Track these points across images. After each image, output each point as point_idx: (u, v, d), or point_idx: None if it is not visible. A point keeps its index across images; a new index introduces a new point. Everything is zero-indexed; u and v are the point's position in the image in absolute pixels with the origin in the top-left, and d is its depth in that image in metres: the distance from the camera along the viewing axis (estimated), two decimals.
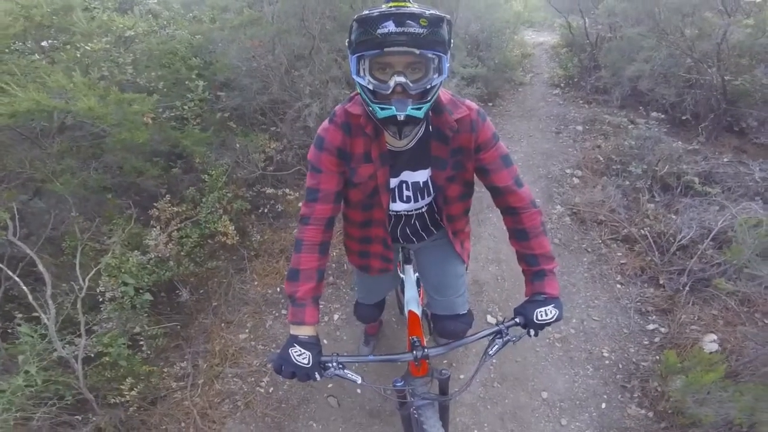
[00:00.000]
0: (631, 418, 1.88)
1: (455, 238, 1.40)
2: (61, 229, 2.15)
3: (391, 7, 0.85)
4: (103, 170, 2.45)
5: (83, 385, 1.60)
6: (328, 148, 1.12)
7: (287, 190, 3.00)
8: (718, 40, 3.51)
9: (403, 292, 1.67)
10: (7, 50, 2.24)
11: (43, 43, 2.50)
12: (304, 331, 1.04)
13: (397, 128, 0.96)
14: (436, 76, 0.93)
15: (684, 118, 4.02)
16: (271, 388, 2.06)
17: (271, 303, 2.52)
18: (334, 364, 1.01)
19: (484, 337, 1.10)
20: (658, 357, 2.11)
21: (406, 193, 1.25)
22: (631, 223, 2.96)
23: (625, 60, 4.51)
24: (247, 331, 2.35)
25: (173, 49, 2.92)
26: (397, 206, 1.27)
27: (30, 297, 1.54)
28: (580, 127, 4.51)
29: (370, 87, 0.92)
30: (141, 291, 1.98)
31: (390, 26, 0.84)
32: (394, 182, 1.21)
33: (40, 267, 1.65)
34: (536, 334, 1.10)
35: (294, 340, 1.01)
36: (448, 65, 0.94)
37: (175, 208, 2.39)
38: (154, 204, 2.36)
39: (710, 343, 2.03)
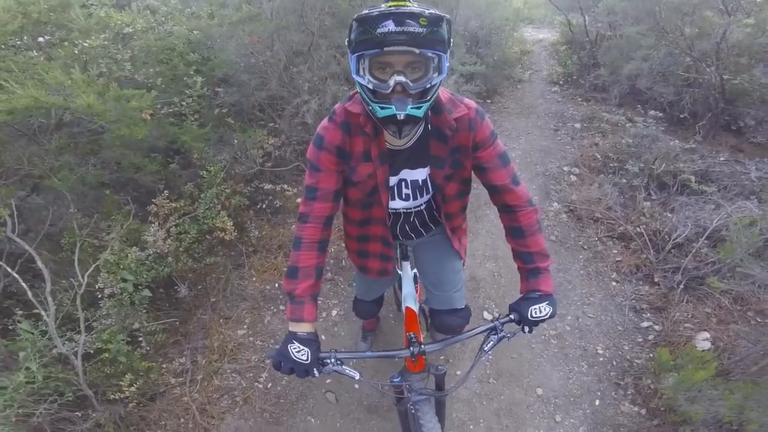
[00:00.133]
0: (624, 415, 1.91)
1: (453, 234, 1.42)
2: (60, 225, 2.16)
3: (390, 6, 0.86)
4: (102, 166, 2.45)
5: (83, 381, 1.62)
6: (327, 147, 1.12)
7: (285, 186, 3.01)
8: (717, 39, 3.52)
9: (400, 288, 1.69)
10: (3, 47, 2.23)
11: (40, 39, 2.49)
12: (303, 328, 1.05)
13: (396, 127, 0.97)
14: (435, 75, 0.93)
15: (682, 116, 4.04)
16: (270, 384, 2.08)
17: (270, 299, 2.53)
18: (333, 360, 1.03)
19: (479, 333, 1.12)
20: (651, 354, 2.14)
21: (405, 191, 1.26)
22: (627, 221, 2.98)
23: (624, 58, 4.52)
24: (245, 326, 2.36)
25: (171, 45, 2.91)
26: (396, 204, 1.28)
27: (29, 294, 1.55)
28: (578, 125, 4.52)
29: (370, 86, 0.93)
30: (140, 287, 2.00)
31: (390, 25, 0.85)
32: (393, 181, 1.22)
33: (39, 263, 1.66)
34: (530, 331, 1.12)
35: (293, 336, 1.03)
36: (447, 64, 0.94)
37: (174, 204, 2.40)
38: (153, 200, 2.36)
39: (703, 341, 2.06)
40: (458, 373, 2.09)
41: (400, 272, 1.69)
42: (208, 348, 2.21)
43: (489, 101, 5.18)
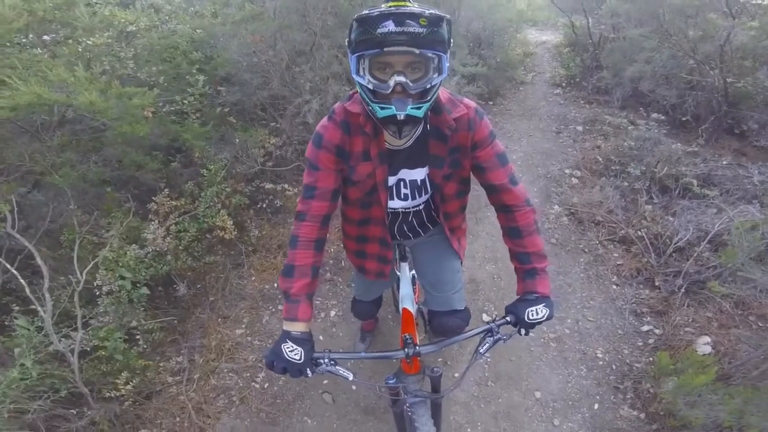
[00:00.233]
0: (623, 419, 1.90)
1: (452, 234, 1.41)
2: (60, 222, 2.16)
3: (390, 6, 0.86)
4: (103, 163, 2.45)
5: (79, 378, 1.61)
6: (326, 146, 1.12)
7: (286, 186, 3.01)
8: (721, 41, 3.50)
9: (399, 289, 1.68)
10: (8, 44, 2.24)
11: (45, 37, 2.50)
12: (297, 327, 1.04)
13: (396, 128, 0.97)
14: (435, 75, 0.93)
15: (684, 119, 4.02)
16: (267, 384, 2.07)
17: (268, 298, 2.53)
18: (326, 360, 1.02)
19: (475, 335, 1.11)
20: (651, 358, 2.13)
21: (404, 190, 1.25)
22: (628, 225, 2.97)
23: (626, 61, 4.51)
24: (243, 326, 2.36)
25: (174, 44, 2.92)
26: (395, 204, 1.28)
27: (27, 290, 1.55)
28: (580, 128, 4.51)
29: (370, 86, 0.93)
30: (138, 285, 1.99)
31: (390, 26, 0.84)
32: (392, 180, 1.22)
33: (38, 260, 1.66)
34: (527, 333, 1.11)
35: (287, 335, 1.02)
36: (447, 64, 0.94)
37: (174, 202, 2.40)
38: (153, 198, 2.36)
39: (704, 345, 2.04)
40: (456, 375, 2.08)
41: (398, 273, 1.69)
42: (206, 347, 2.21)
43: (491, 103, 5.17)
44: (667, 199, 3.11)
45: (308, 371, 1.00)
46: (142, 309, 2.03)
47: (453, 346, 2.20)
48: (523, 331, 1.11)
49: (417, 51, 0.87)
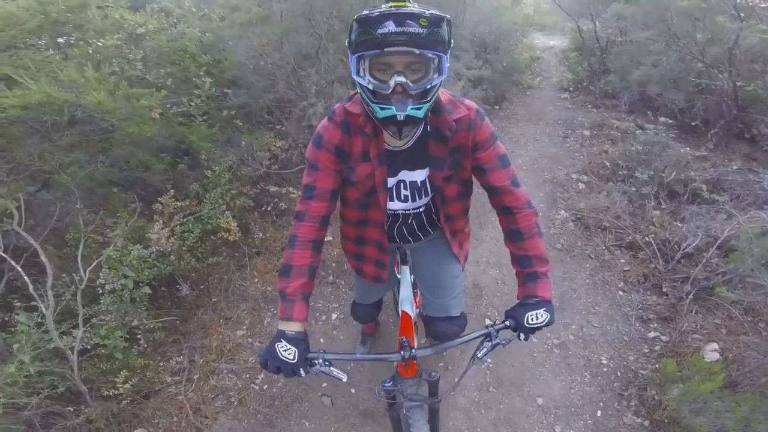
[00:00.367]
0: (626, 427, 1.86)
1: (453, 238, 1.40)
2: (66, 220, 2.19)
3: (390, 7, 0.86)
4: (110, 164, 2.48)
5: (77, 376, 1.62)
6: (326, 146, 1.13)
7: (291, 189, 3.02)
8: (730, 44, 3.46)
9: (399, 292, 1.67)
10: (22, 45, 2.29)
11: (60, 40, 2.56)
12: (292, 327, 1.04)
13: (397, 128, 0.97)
14: (436, 76, 0.93)
15: (693, 124, 3.97)
16: (266, 386, 2.07)
17: (270, 300, 2.53)
18: (320, 360, 1.01)
19: (473, 339, 1.10)
20: (657, 365, 2.08)
21: (404, 192, 1.25)
22: (635, 230, 2.93)
23: (633, 64, 4.47)
24: (244, 327, 2.36)
25: (184, 47, 2.96)
26: (395, 205, 1.27)
27: (30, 287, 1.57)
28: (587, 132, 4.47)
29: (370, 87, 0.93)
30: (140, 284, 2.01)
31: (390, 26, 0.84)
32: (391, 181, 1.21)
33: (43, 257, 1.68)
34: (527, 338, 1.09)
35: (281, 335, 1.02)
36: (448, 65, 0.94)
37: (179, 203, 2.42)
38: (158, 198, 2.39)
39: (711, 351, 2.00)
40: (457, 380, 2.05)
41: (399, 276, 1.68)
42: (207, 348, 2.22)
43: (497, 107, 5.15)
44: (676, 205, 3.06)
45: (301, 371, 0.99)
46: (144, 308, 2.04)
47: (454, 351, 2.17)
48: (522, 336, 1.09)
49: (417, 51, 0.87)
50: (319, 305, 2.51)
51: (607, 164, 3.74)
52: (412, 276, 1.67)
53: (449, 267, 1.48)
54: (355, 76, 0.95)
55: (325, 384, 2.05)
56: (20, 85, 1.90)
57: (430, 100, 0.96)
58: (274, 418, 1.93)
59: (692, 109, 3.96)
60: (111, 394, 1.75)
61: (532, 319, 1.06)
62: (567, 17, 6.53)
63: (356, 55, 0.91)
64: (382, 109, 0.94)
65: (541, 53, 7.26)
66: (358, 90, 0.99)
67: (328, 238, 2.84)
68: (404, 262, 1.61)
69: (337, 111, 1.14)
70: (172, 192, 2.43)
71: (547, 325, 1.07)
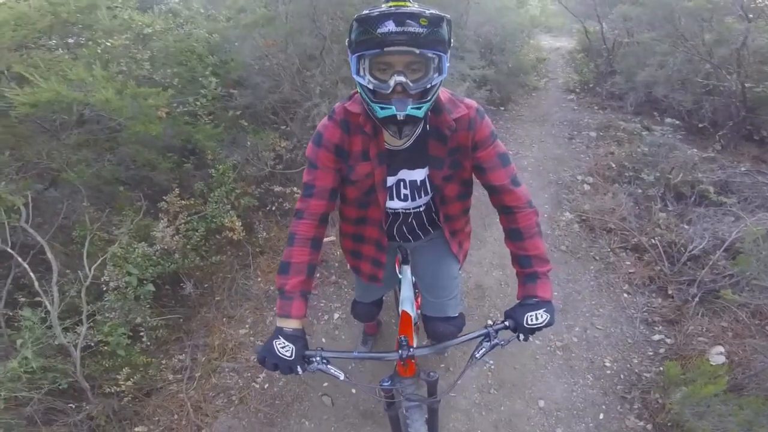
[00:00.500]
0: (629, 430, 1.84)
1: (453, 237, 1.40)
2: (73, 218, 2.22)
3: (391, 6, 0.86)
4: (117, 163, 2.52)
5: (80, 373, 1.63)
6: (325, 145, 1.13)
7: (295, 189, 3.03)
8: (738, 45, 3.42)
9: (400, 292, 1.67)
10: (33, 45, 2.33)
11: (70, 40, 2.60)
12: (290, 324, 1.04)
13: (397, 128, 0.97)
14: (436, 75, 0.93)
15: (701, 125, 3.92)
16: (267, 385, 2.08)
17: (273, 299, 2.54)
18: (318, 358, 1.02)
19: (472, 339, 1.09)
20: (661, 368, 2.06)
21: (403, 191, 1.25)
22: (641, 232, 2.90)
23: (640, 65, 4.43)
24: (247, 326, 2.38)
25: (190, 47, 2.99)
26: (395, 204, 1.28)
27: (36, 284, 1.59)
28: (593, 133, 4.44)
29: (370, 86, 0.93)
30: (144, 282, 2.02)
31: (390, 26, 0.85)
32: (391, 180, 1.21)
33: (49, 254, 1.71)
34: (526, 339, 1.08)
35: (279, 332, 1.02)
36: (448, 65, 0.94)
37: (184, 202, 2.44)
38: (164, 197, 2.41)
39: (717, 355, 1.97)
40: (458, 382, 2.05)
41: (400, 276, 1.68)
42: (209, 346, 2.23)
43: (503, 108, 5.14)
44: (682, 207, 3.03)
45: (299, 368, 0.99)
46: (148, 306, 2.05)
47: (455, 352, 2.17)
48: (521, 337, 1.08)
49: (417, 51, 0.87)
50: (322, 305, 2.52)
51: (613, 166, 3.71)
52: (413, 276, 1.67)
53: (448, 268, 1.48)
54: (355, 76, 0.95)
55: (325, 384, 2.05)
56: (31, 84, 1.93)
57: (430, 99, 0.96)
58: (274, 417, 1.93)
59: (700, 110, 3.91)
60: (112, 391, 1.76)
61: (531, 320, 1.05)
62: (574, 19, 6.49)
63: (356, 54, 0.92)
64: (382, 108, 0.94)
65: (548, 54, 7.24)
66: (358, 89, 0.99)
67: (331, 238, 2.85)
68: (405, 261, 1.62)
69: (337, 110, 1.15)
70: (177, 191, 2.45)
71: (546, 325, 1.06)
